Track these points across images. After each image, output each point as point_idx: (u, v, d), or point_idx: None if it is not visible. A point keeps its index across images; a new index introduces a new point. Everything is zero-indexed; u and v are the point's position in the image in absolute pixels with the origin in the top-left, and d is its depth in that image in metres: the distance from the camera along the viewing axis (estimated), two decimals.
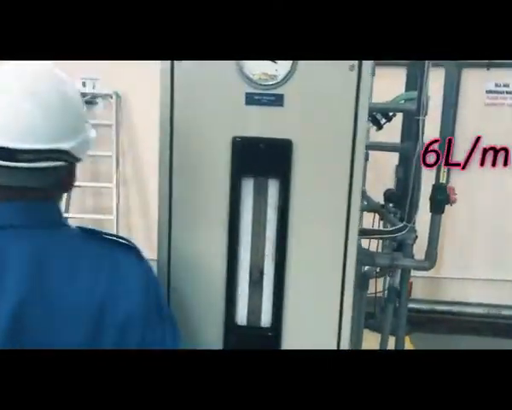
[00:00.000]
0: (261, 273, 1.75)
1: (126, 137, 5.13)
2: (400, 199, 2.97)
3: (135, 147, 5.14)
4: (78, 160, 1.00)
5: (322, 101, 1.64)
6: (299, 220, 1.69)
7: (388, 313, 2.63)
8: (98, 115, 5.15)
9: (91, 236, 1.04)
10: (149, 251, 5.14)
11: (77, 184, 4.08)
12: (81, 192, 5.15)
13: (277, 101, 1.65)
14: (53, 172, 0.95)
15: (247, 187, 1.71)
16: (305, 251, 1.70)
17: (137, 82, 4.97)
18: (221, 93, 1.68)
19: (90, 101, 5.11)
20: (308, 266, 1.71)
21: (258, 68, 1.65)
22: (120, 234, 4.23)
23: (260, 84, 1.66)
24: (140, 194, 5.22)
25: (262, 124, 1.68)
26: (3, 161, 0.88)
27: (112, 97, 5.01)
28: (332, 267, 1.69)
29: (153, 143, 5.29)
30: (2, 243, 0.92)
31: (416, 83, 2.74)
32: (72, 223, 1.11)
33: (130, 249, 1.07)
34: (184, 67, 1.67)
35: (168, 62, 1.67)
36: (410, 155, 2.61)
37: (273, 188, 1.70)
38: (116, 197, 4.98)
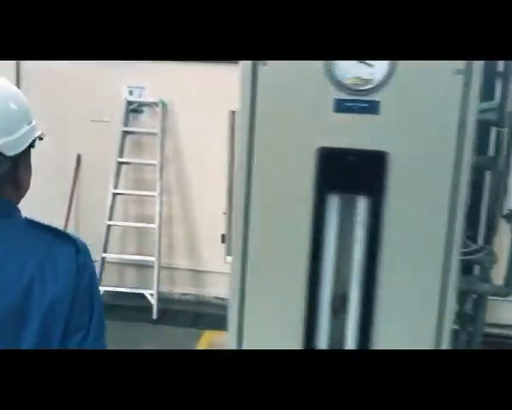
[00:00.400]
0: (345, 298, 1.54)
1: (171, 145, 4.98)
2: (470, 217, 2.70)
3: (179, 155, 4.99)
4: (5, 157, 1.06)
5: (423, 108, 1.43)
6: (392, 242, 1.47)
7: (462, 341, 2.38)
8: (144, 123, 5.01)
9: (35, 227, 1.12)
10: (190, 261, 4.92)
11: (121, 191, 3.90)
12: (124, 200, 5.02)
13: (372, 108, 1.44)
14: None
15: (333, 204, 1.50)
16: (399, 276, 1.48)
17: (183, 89, 4.83)
18: (307, 99, 1.48)
19: (136, 109, 4.98)
20: (402, 292, 1.49)
21: (351, 71, 1.45)
22: (162, 243, 4.04)
23: (353, 90, 1.46)
24: (183, 203, 5.06)
25: (353, 133, 1.47)
26: None
27: (158, 105, 4.86)
28: (428, 294, 1.47)
29: (198, 151, 5.11)
30: None
31: (488, 93, 2.49)
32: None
33: (71, 242, 1.11)
34: (268, 69, 1.48)
35: (249, 64, 1.48)
36: (487, 168, 2.37)
37: (362, 205, 1.49)
38: (159, 206, 4.82)
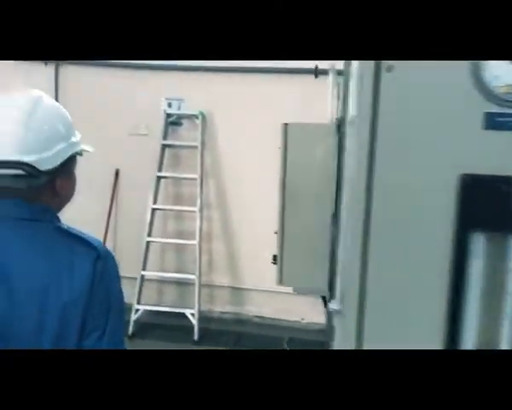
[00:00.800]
0: None
1: (210, 158, 4.66)
2: None
3: (219, 169, 4.66)
4: (40, 171, 1.11)
5: None
6: None
7: None
8: (183, 136, 4.70)
9: (62, 233, 1.16)
10: (231, 278, 4.56)
11: (160, 207, 3.60)
12: (162, 215, 4.71)
13: None
14: (23, 179, 1.10)
15: (478, 245, 1.14)
16: None
17: (223, 101, 4.53)
18: (447, 112, 1.13)
19: (175, 121, 4.67)
20: None
21: (505, 77, 1.10)
22: (203, 260, 3.70)
23: (506, 101, 1.10)
24: (223, 218, 4.72)
25: (507, 157, 1.12)
26: None
27: (197, 117, 4.54)
28: None
29: (238, 165, 4.76)
30: None
31: None
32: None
33: (93, 250, 1.15)
34: (394, 74, 1.13)
35: (371, 66, 1.13)
36: None
37: None
38: (199, 222, 4.50)
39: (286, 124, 3.25)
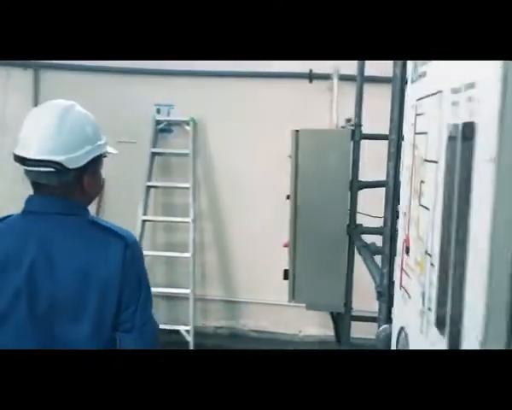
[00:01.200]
0: None
1: (202, 166, 4.36)
2: None
3: (211, 177, 4.37)
4: (67, 169, 1.27)
5: None
6: None
7: None
8: (173, 144, 4.37)
9: (95, 225, 1.32)
10: (226, 292, 4.24)
11: (151, 218, 3.29)
12: (152, 227, 4.37)
13: None
14: (55, 175, 1.27)
15: None
16: None
17: (214, 106, 4.25)
18: None
19: (165, 128, 4.35)
20: None
21: None
22: (195, 272, 3.37)
23: None
24: (216, 229, 4.41)
25: None
26: (21, 165, 1.28)
27: (188, 124, 4.24)
28: None
29: (231, 173, 4.45)
30: (26, 224, 1.31)
31: None
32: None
33: (122, 239, 1.30)
34: None
35: None
36: None
37: None
38: (193, 233, 4.19)
39: (297, 130, 3.00)
